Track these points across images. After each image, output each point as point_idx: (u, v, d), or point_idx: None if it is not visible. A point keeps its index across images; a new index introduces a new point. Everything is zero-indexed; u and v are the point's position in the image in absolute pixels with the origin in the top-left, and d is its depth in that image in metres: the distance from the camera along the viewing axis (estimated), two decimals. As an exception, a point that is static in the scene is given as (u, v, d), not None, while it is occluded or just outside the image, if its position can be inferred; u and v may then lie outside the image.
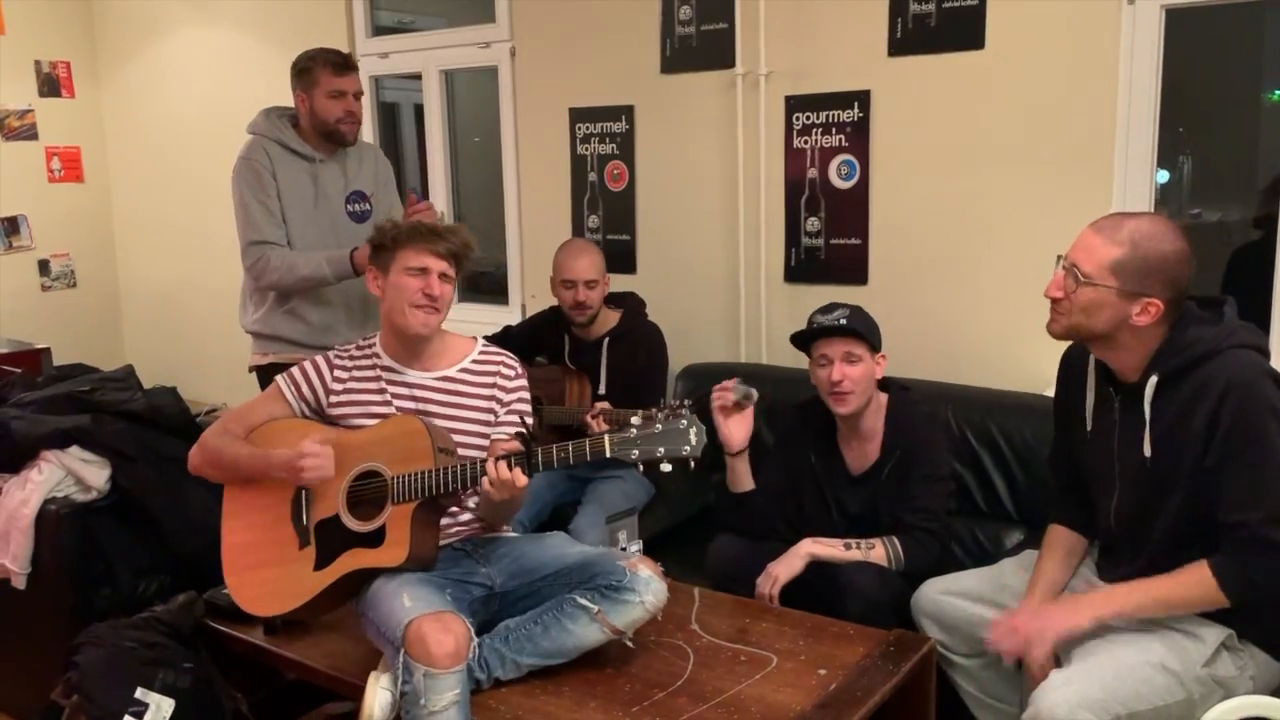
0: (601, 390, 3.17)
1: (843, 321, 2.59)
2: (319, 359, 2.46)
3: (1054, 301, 2.06)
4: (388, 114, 5.17)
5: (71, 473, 2.95)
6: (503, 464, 2.14)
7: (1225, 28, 3.61)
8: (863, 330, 2.59)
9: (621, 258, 3.90)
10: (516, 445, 2.23)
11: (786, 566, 2.54)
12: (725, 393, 2.57)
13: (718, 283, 3.73)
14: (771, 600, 2.51)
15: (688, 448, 2.10)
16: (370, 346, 2.46)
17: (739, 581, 2.59)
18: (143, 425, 3.03)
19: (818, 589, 2.52)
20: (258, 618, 2.40)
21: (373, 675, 2.09)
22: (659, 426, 2.11)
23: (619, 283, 3.46)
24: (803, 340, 2.67)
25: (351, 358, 2.45)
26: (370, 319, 3.31)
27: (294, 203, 3.16)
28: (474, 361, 2.46)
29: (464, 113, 4.78)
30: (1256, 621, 1.97)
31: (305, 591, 2.27)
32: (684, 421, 2.11)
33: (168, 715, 2.34)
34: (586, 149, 4.00)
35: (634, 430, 2.12)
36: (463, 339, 2.50)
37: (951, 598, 2.35)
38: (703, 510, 3.37)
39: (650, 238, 3.90)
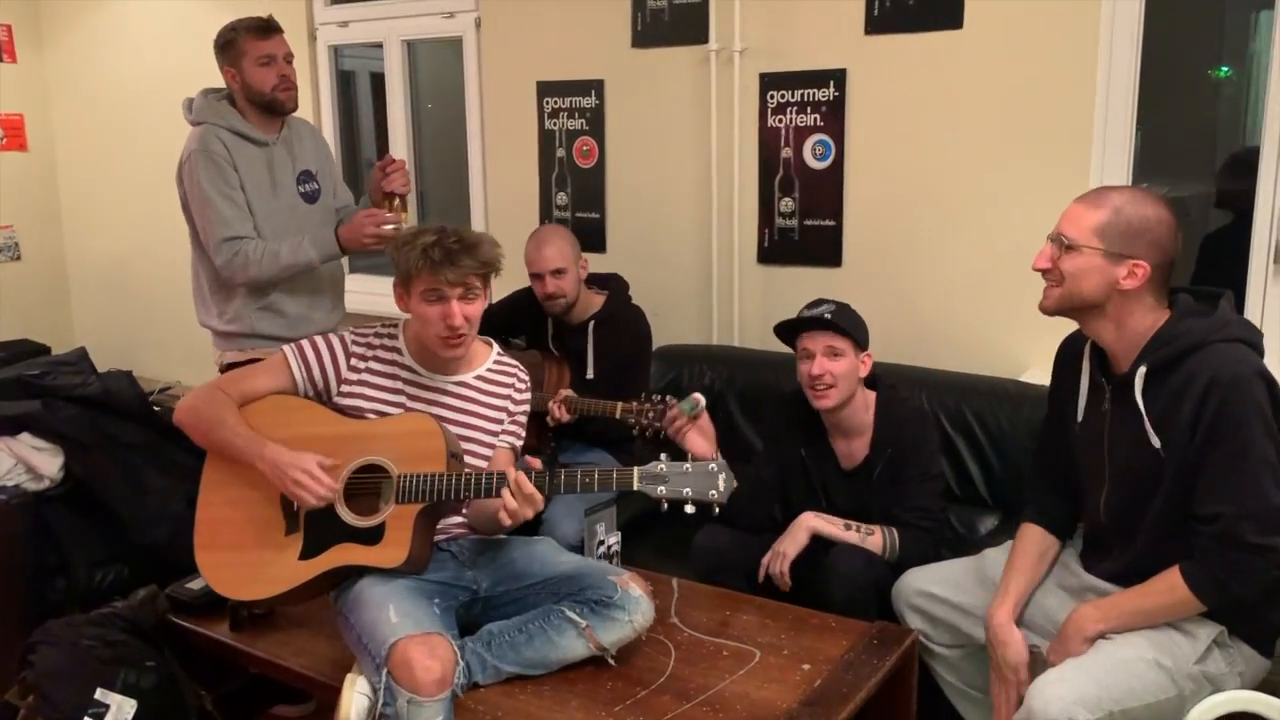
0: (590, 375, 3.09)
1: (827, 316, 2.56)
2: (334, 339, 2.31)
3: (1044, 274, 2.06)
4: (344, 82, 5.02)
5: (22, 460, 2.85)
6: (524, 478, 2.08)
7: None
8: (847, 327, 2.55)
9: (591, 236, 3.81)
10: (537, 464, 2.17)
11: (793, 542, 2.53)
12: (676, 417, 2.55)
13: (690, 263, 3.66)
14: (783, 577, 2.50)
15: (714, 493, 2.08)
16: (392, 340, 2.33)
17: (726, 572, 2.57)
18: (97, 411, 2.94)
19: (802, 570, 2.51)
20: (226, 610, 2.33)
21: (349, 677, 2.03)
22: (689, 467, 2.09)
23: (590, 263, 3.38)
24: (787, 332, 2.64)
25: (370, 346, 2.32)
26: (343, 302, 3.22)
27: (254, 193, 2.97)
28: (489, 369, 2.39)
29: (423, 79, 4.65)
30: (1244, 617, 1.96)
31: (286, 580, 2.16)
32: (714, 465, 2.10)
33: (129, 716, 2.25)
34: (555, 124, 3.91)
35: (663, 468, 2.09)
36: (479, 343, 2.41)
37: (934, 588, 2.33)
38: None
39: (620, 216, 3.83)
